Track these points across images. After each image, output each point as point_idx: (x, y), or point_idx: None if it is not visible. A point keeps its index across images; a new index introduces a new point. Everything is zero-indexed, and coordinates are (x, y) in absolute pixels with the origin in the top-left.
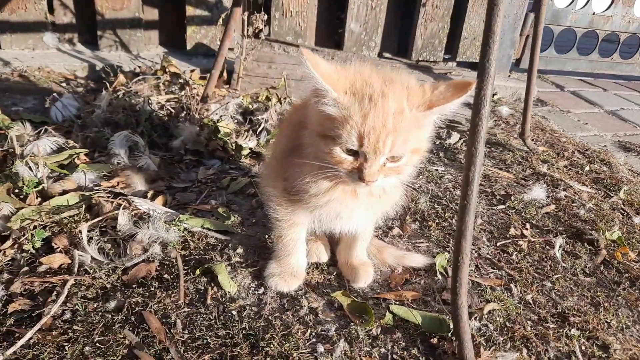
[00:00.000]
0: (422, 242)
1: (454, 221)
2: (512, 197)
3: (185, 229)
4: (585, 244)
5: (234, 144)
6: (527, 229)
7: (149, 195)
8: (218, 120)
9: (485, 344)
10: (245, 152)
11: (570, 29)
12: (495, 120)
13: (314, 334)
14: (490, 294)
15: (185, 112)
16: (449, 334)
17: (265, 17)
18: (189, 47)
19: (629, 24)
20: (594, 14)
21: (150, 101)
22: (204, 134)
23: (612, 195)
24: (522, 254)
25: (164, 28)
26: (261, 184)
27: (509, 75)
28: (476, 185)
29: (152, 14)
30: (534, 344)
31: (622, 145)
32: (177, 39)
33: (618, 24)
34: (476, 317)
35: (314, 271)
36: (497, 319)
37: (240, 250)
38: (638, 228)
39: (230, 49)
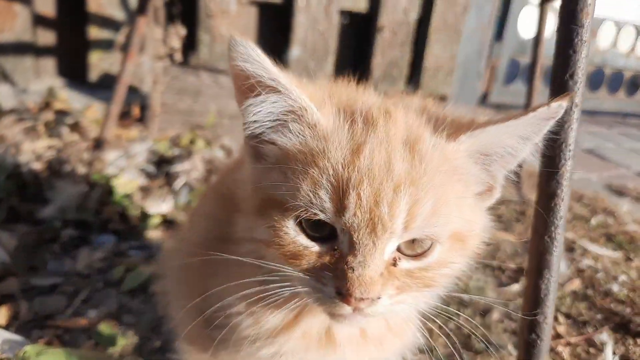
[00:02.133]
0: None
1: (461, 320)
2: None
3: None
4: (638, 339)
5: (138, 210)
6: (560, 323)
7: None
8: (115, 175)
9: None
10: (155, 221)
11: None
12: None
13: None
14: None
15: (72, 165)
16: None
17: (184, 32)
18: (93, 78)
19: (593, 56)
20: None
21: (19, 150)
22: (95, 195)
23: (632, 257)
24: None
25: (64, 55)
26: (162, 295)
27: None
28: (552, 304)
29: (47, 37)
30: None
31: (614, 190)
32: (80, 69)
33: None
34: None
35: None
36: None
37: None
38: None
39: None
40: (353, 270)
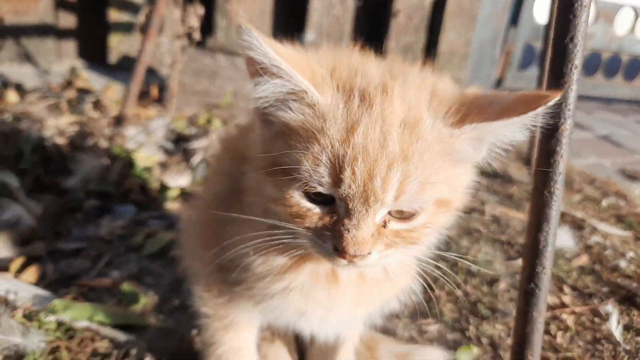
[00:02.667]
0: (429, 324)
1: (469, 287)
2: None
3: (60, 324)
4: None
5: (157, 183)
6: (565, 294)
7: (14, 265)
8: (135, 149)
9: None
10: (173, 193)
11: None
12: None
13: None
14: None
15: (94, 140)
16: None
17: (202, 11)
18: (113, 60)
19: (610, 42)
20: None
21: (43, 126)
22: (116, 168)
23: None
24: (569, 334)
25: (84, 38)
26: (181, 252)
27: None
28: (550, 255)
29: (68, 20)
30: None
31: (627, 175)
32: (100, 51)
33: (600, 41)
34: None
35: None
36: None
37: None
38: None
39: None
40: (348, 231)
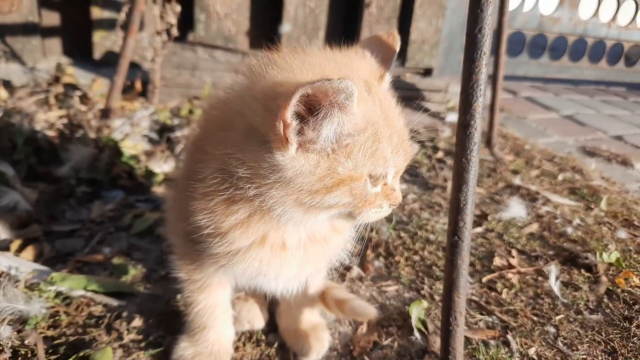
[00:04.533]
0: (389, 285)
1: (426, 253)
2: (489, 217)
3: (58, 294)
4: (582, 270)
5: (143, 169)
6: (513, 257)
7: (14, 245)
8: (122, 139)
9: None
10: (159, 178)
11: (519, 32)
12: (452, 130)
13: None
14: (485, 354)
15: (82, 132)
16: None
17: (179, 8)
18: (97, 56)
19: (575, 26)
20: (541, 15)
21: (34, 119)
22: (104, 157)
23: (592, 207)
24: (513, 291)
25: (69, 35)
26: (164, 227)
27: None
28: (470, 212)
29: (51, 18)
30: None
31: (587, 151)
32: (84, 47)
33: (566, 25)
34: None
35: (246, 344)
36: None
37: (137, 321)
38: (631, 245)
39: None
40: (394, 190)
